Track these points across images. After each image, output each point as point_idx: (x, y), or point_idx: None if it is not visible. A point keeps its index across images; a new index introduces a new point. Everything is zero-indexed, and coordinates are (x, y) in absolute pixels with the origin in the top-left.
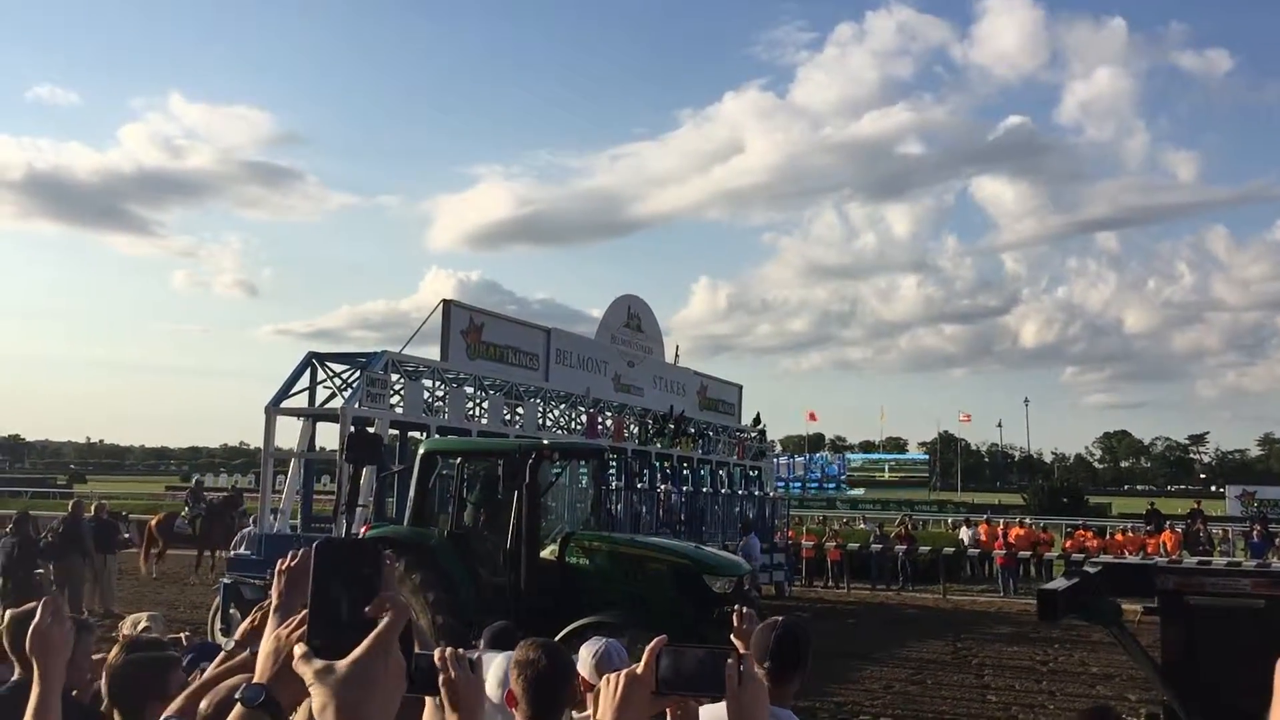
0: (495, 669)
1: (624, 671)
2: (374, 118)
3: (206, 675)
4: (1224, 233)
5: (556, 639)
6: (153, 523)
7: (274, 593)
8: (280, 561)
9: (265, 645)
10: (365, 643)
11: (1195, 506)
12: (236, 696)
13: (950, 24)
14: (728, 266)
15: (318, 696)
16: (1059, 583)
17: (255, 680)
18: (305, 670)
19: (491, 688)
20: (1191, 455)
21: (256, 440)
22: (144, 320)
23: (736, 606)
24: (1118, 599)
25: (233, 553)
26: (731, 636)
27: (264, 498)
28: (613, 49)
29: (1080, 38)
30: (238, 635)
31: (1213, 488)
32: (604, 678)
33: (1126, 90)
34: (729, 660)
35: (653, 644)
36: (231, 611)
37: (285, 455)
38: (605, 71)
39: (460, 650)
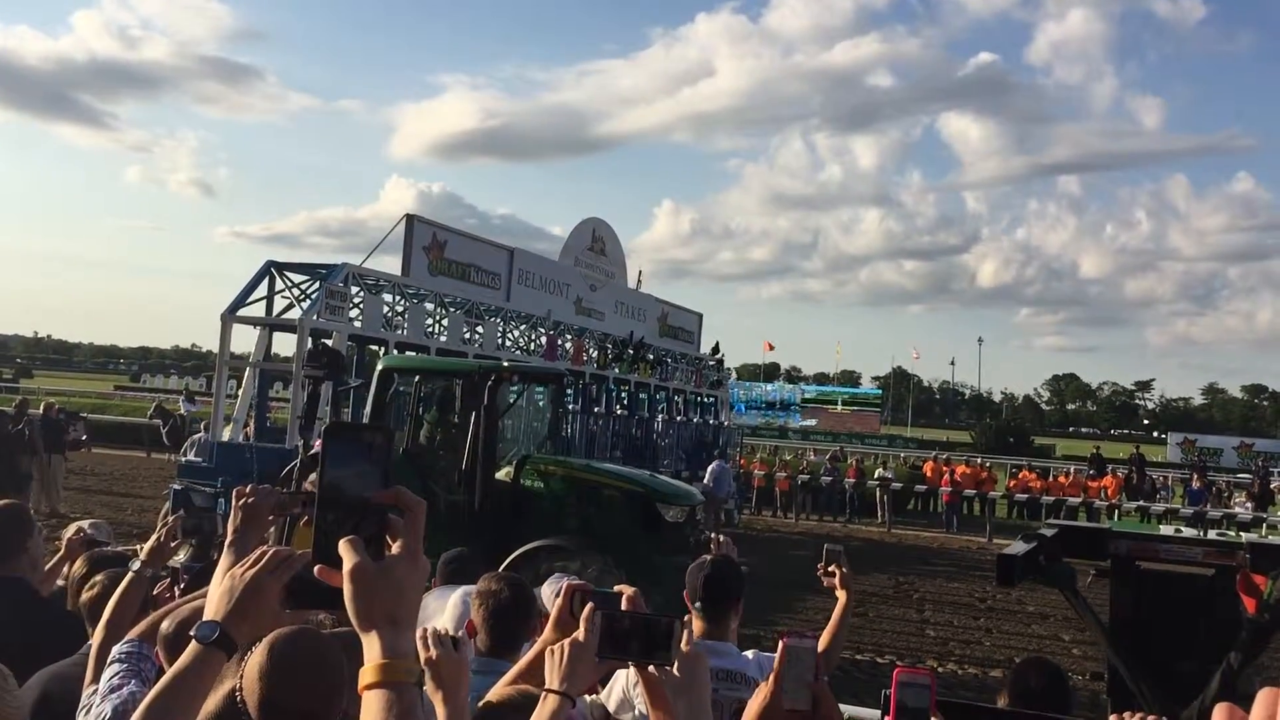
0: (451, 609)
1: (567, 640)
2: (338, 19)
3: (117, 596)
4: (1184, 182)
5: (508, 561)
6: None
7: (229, 528)
8: (236, 496)
9: (220, 583)
10: (398, 545)
11: (1135, 451)
12: (191, 633)
13: None
14: (692, 191)
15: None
16: (1017, 547)
17: (208, 618)
18: (346, 554)
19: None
20: (1137, 401)
21: (208, 343)
22: (96, 214)
23: (713, 535)
24: (1071, 560)
25: (183, 458)
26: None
27: (217, 405)
28: None
29: None
30: (143, 555)
31: (1155, 434)
32: (548, 648)
33: (1098, 33)
34: (676, 624)
35: (585, 611)
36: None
37: (239, 363)
38: None
39: (438, 629)
